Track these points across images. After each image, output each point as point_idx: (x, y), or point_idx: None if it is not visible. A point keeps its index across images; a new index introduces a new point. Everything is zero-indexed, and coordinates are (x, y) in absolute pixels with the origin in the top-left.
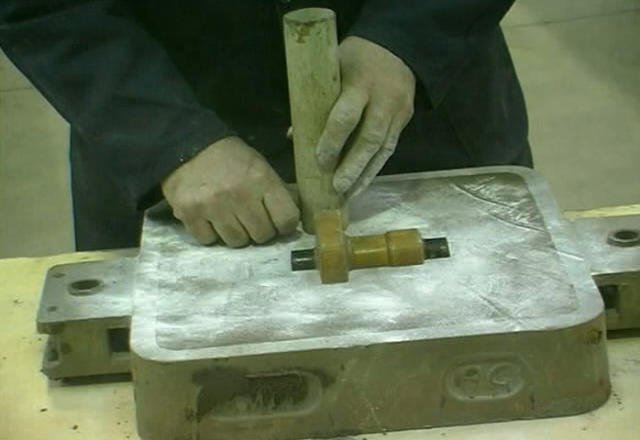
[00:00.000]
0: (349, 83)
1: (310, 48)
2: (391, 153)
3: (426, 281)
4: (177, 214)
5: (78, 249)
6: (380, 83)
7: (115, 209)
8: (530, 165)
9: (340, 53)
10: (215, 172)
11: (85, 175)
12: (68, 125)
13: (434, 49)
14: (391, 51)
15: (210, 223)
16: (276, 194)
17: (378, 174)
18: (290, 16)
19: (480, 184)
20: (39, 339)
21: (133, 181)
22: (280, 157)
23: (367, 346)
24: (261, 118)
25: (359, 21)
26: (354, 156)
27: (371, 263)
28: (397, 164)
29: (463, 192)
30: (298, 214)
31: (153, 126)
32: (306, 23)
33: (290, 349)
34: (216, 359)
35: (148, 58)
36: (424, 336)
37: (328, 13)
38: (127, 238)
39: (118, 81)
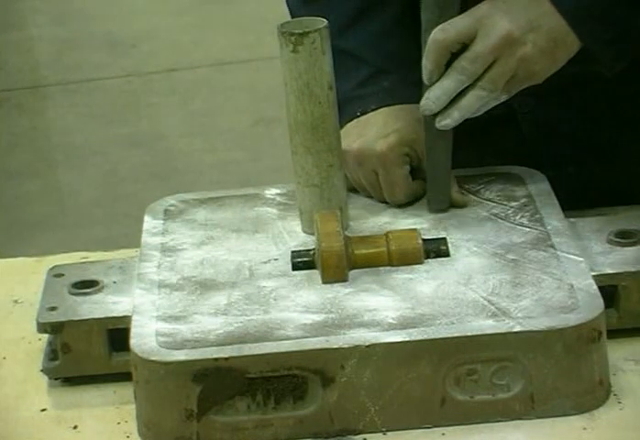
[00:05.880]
0: (465, 13)
1: (304, 58)
2: (485, 94)
3: (426, 281)
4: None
5: None
6: (492, 19)
7: None
8: None
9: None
10: (360, 133)
11: None
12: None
13: (610, 18)
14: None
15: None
16: (389, 174)
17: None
18: (283, 26)
19: (480, 184)
20: (39, 339)
21: None
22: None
23: (367, 346)
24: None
25: None
26: (440, 81)
27: (371, 263)
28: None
29: (463, 191)
30: (405, 197)
31: (352, 77)
32: (300, 33)
33: (290, 349)
34: (216, 359)
35: (370, 16)
36: (424, 336)
37: (322, 22)
38: None
39: (339, 32)
